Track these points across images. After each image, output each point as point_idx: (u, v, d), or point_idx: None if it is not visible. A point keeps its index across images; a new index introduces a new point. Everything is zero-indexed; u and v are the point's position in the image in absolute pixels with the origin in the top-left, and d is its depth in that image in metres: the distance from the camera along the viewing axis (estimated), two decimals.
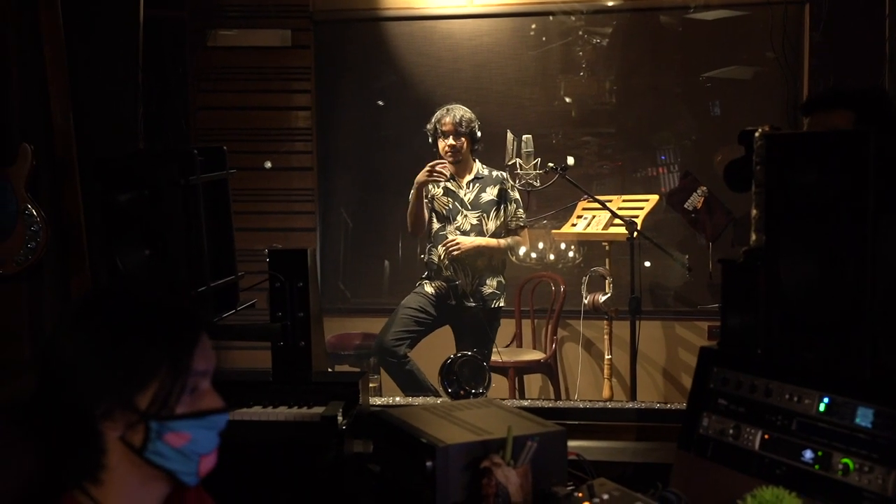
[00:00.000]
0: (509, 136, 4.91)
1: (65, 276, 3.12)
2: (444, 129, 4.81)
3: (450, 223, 4.87)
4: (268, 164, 5.89)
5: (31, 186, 2.97)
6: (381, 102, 6.36)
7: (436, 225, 4.93)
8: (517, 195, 4.94)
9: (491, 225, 4.88)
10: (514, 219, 4.96)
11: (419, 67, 6.18)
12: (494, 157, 5.07)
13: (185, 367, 1.53)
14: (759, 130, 2.15)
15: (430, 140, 4.92)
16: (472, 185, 4.88)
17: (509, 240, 4.93)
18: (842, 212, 1.92)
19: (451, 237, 4.76)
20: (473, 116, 4.85)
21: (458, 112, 4.82)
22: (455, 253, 4.74)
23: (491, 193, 4.85)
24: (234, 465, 1.71)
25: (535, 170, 4.86)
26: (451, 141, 4.80)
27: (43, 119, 3.06)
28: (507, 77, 6.25)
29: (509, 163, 4.91)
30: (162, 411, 1.51)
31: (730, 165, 2.36)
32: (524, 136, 4.89)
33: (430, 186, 4.90)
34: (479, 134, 4.87)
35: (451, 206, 4.87)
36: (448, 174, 4.77)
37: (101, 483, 1.53)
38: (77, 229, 3.11)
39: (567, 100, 6.36)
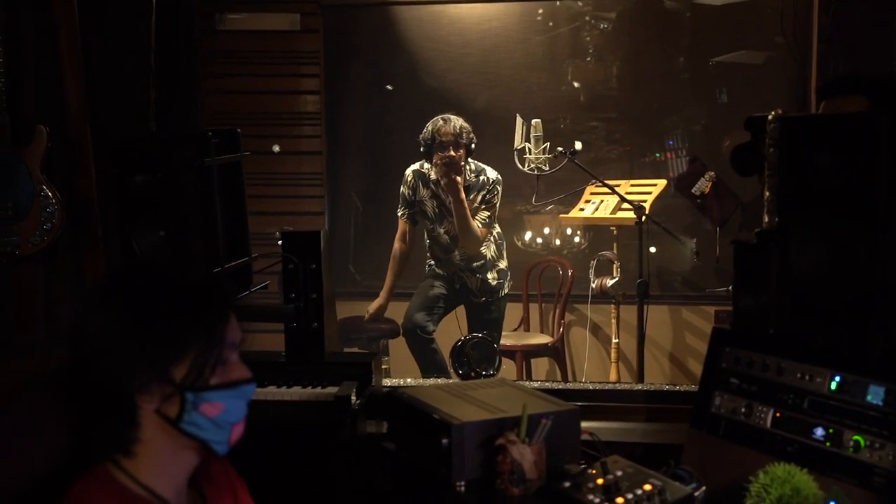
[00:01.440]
0: (518, 120, 4.91)
1: (79, 258, 3.13)
2: (443, 139, 4.64)
3: (439, 225, 4.87)
4: (276, 148, 5.90)
5: (46, 168, 2.98)
6: (389, 87, 6.37)
7: (427, 224, 4.95)
8: (496, 200, 4.81)
9: (478, 227, 4.87)
10: (479, 218, 4.81)
11: (428, 52, 6.19)
12: (503, 141, 5.07)
13: (219, 339, 1.57)
14: (773, 114, 2.17)
15: (422, 149, 4.77)
16: None
17: (479, 233, 4.84)
18: (854, 194, 1.94)
19: (455, 178, 4.61)
20: (470, 127, 4.71)
21: (457, 123, 4.67)
22: (444, 181, 4.68)
23: (475, 200, 4.81)
24: (247, 444, 1.74)
25: (544, 154, 4.86)
26: (450, 152, 4.63)
27: (57, 101, 3.08)
28: (515, 62, 6.25)
29: (518, 147, 4.91)
30: (197, 382, 1.55)
31: (737, 150, 2.38)
32: (533, 121, 4.89)
33: (420, 188, 4.87)
34: (474, 146, 4.73)
35: (437, 210, 4.86)
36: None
37: (133, 455, 1.56)
38: (91, 211, 3.13)
39: (575, 84, 6.37)
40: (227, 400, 1.59)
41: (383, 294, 5.10)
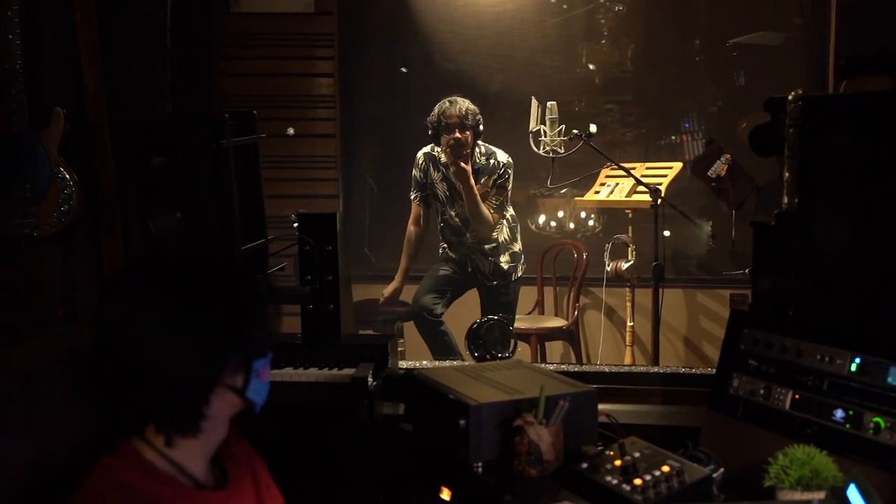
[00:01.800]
0: (534, 102, 4.89)
1: (97, 239, 3.15)
2: (449, 122, 4.64)
3: (450, 207, 4.88)
4: (291, 131, 5.89)
5: (64, 150, 2.99)
6: (403, 69, 6.36)
7: (439, 207, 4.96)
8: (507, 184, 4.82)
9: (489, 210, 4.86)
10: (490, 203, 4.81)
11: (442, 34, 6.16)
12: (518, 124, 5.05)
13: (267, 310, 1.69)
14: (793, 94, 2.16)
15: (429, 132, 4.78)
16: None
17: (491, 218, 4.83)
18: (876, 173, 1.93)
19: (464, 165, 4.62)
20: (477, 109, 4.71)
21: (464, 105, 4.66)
22: (453, 170, 4.69)
23: (485, 185, 4.80)
24: (265, 424, 1.76)
25: (559, 136, 4.85)
26: (456, 134, 4.63)
27: (75, 84, 3.08)
28: (530, 44, 6.22)
29: (533, 129, 4.89)
30: (257, 351, 1.64)
31: (755, 131, 2.36)
32: (549, 103, 4.87)
33: (430, 170, 4.88)
34: (482, 127, 4.72)
35: (448, 192, 4.86)
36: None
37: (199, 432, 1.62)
38: (108, 192, 3.14)
39: (590, 67, 6.34)
40: (266, 363, 1.68)
41: (398, 277, 5.11)
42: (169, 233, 2.86)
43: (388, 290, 5.12)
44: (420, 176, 4.91)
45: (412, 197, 4.99)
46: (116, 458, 1.55)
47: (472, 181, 4.64)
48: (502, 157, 4.80)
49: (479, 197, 4.69)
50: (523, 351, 5.15)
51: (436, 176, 4.86)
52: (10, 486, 1.50)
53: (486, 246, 4.89)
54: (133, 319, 1.55)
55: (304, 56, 5.98)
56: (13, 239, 2.97)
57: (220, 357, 1.58)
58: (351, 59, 6.15)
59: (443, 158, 4.78)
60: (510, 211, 4.96)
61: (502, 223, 4.90)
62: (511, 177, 4.81)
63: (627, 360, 5.26)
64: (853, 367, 2.01)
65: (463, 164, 4.59)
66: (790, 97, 2.14)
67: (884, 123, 1.91)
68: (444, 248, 5.02)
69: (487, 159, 4.77)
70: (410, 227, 5.05)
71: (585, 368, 3.35)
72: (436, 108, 4.72)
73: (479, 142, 4.78)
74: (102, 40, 3.11)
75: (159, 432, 1.58)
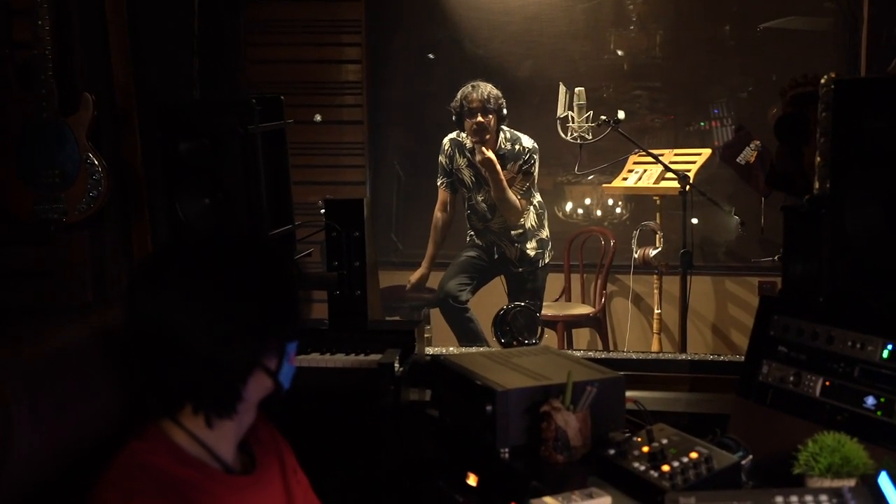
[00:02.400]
0: (562, 88, 4.87)
1: (126, 225, 3.17)
2: (471, 106, 4.66)
3: (477, 193, 4.88)
4: (318, 118, 5.89)
5: (93, 136, 3.01)
6: (431, 55, 6.34)
7: (465, 193, 4.96)
8: (533, 169, 4.81)
9: (516, 196, 4.85)
10: (517, 189, 4.80)
11: (470, 20, 6.14)
12: (546, 110, 5.03)
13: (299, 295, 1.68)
14: (826, 77, 2.13)
15: (453, 118, 4.80)
16: None
17: (518, 204, 4.83)
18: None
19: (488, 154, 4.65)
20: (500, 93, 4.72)
21: (486, 89, 4.68)
22: (478, 159, 4.70)
23: (511, 170, 4.79)
24: (291, 409, 1.76)
25: (587, 123, 4.82)
26: (479, 118, 4.65)
27: (104, 69, 3.10)
28: (558, 30, 6.19)
29: (561, 115, 4.87)
30: (293, 334, 1.66)
31: (781, 120, 2.34)
32: (577, 89, 4.85)
33: (456, 156, 4.88)
34: (505, 111, 4.73)
35: (474, 178, 4.86)
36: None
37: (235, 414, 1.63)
38: (137, 178, 3.15)
39: (619, 53, 6.30)
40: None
41: (425, 264, 5.12)
42: (197, 218, 2.87)
43: (415, 276, 5.12)
44: (446, 162, 4.92)
45: (439, 183, 4.99)
46: (144, 442, 1.56)
47: (498, 168, 4.63)
48: (528, 142, 4.79)
49: (505, 183, 4.68)
50: (550, 338, 5.15)
51: (461, 162, 4.86)
52: (40, 468, 1.51)
53: (513, 232, 4.89)
54: (171, 303, 1.55)
55: (332, 42, 5.98)
56: (42, 224, 2.99)
57: (261, 339, 1.59)
58: (378, 46, 6.15)
59: (468, 144, 4.79)
60: (537, 197, 4.94)
61: (529, 209, 4.89)
62: (537, 162, 4.80)
63: (655, 347, 5.24)
64: (885, 354, 1.98)
65: (487, 153, 4.59)
66: (823, 81, 2.11)
67: None
68: (470, 235, 5.02)
69: (513, 145, 4.77)
70: (437, 214, 5.06)
71: (613, 355, 3.34)
72: (459, 94, 4.75)
73: (504, 127, 4.78)
74: (131, 26, 3.12)
75: (196, 415, 1.59)
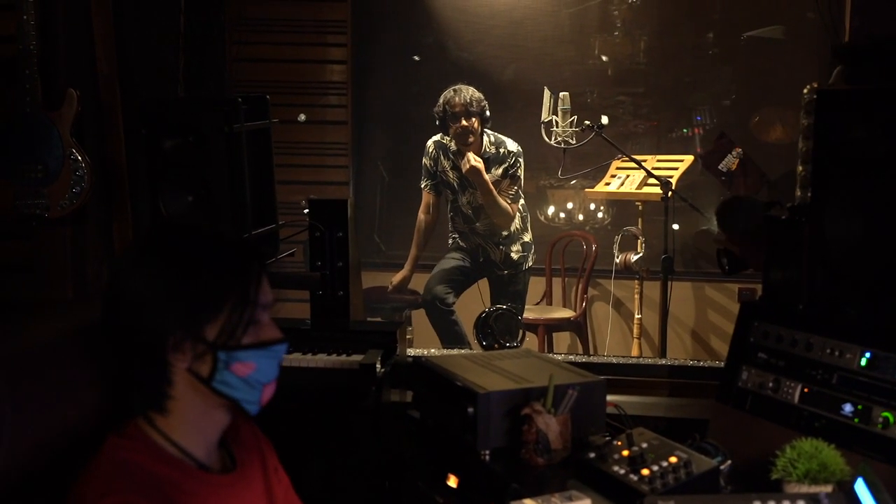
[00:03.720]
0: (546, 92, 4.90)
1: (108, 221, 3.15)
2: (454, 110, 4.68)
3: (461, 195, 4.89)
4: (302, 118, 5.89)
5: (77, 132, 2.99)
6: (416, 57, 6.34)
7: (449, 195, 4.97)
8: (519, 172, 4.83)
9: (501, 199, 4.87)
10: (505, 193, 4.82)
11: (455, 23, 6.15)
12: (530, 114, 5.04)
13: (252, 299, 1.59)
14: (808, 87, 2.15)
15: (437, 123, 4.82)
16: None
17: (509, 208, 4.85)
18: (891, 167, 1.92)
19: (473, 163, 4.65)
20: (482, 96, 4.74)
21: (468, 93, 4.70)
22: (465, 168, 4.69)
23: (495, 174, 4.80)
24: (273, 408, 1.75)
25: (571, 127, 4.84)
26: (462, 122, 4.68)
27: (88, 65, 3.08)
28: (543, 34, 6.21)
29: (546, 120, 4.89)
30: (230, 342, 1.57)
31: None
32: (561, 94, 4.88)
33: (441, 158, 4.90)
34: (488, 113, 4.75)
35: (458, 181, 4.87)
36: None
37: (166, 412, 1.59)
38: (120, 175, 3.14)
39: (603, 58, 6.32)
40: (259, 359, 1.60)
41: (407, 266, 5.12)
42: (180, 216, 2.86)
43: (397, 278, 5.13)
44: (430, 164, 4.93)
45: (423, 185, 5.00)
46: (123, 439, 1.55)
47: (486, 176, 4.65)
48: (512, 146, 4.81)
49: (493, 189, 4.70)
50: (531, 341, 5.15)
51: (446, 164, 4.87)
52: (21, 464, 1.51)
53: (498, 235, 4.90)
54: (114, 290, 1.57)
55: (317, 42, 5.97)
56: (24, 219, 2.97)
57: (166, 332, 1.53)
58: (364, 47, 6.15)
59: (453, 147, 4.80)
60: (521, 200, 4.96)
61: (515, 215, 4.91)
62: (522, 165, 4.82)
63: (635, 352, 5.27)
64: (863, 362, 2.00)
65: (473, 161, 4.60)
66: (805, 91, 2.13)
67: None
68: (454, 237, 5.03)
69: (497, 148, 4.78)
70: (421, 216, 5.06)
71: (593, 359, 3.34)
72: (441, 98, 4.76)
73: (489, 131, 4.78)
74: (116, 22, 3.11)
75: (137, 409, 1.59)
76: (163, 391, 1.57)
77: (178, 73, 3.52)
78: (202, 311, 1.55)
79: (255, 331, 1.60)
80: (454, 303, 4.88)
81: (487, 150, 4.78)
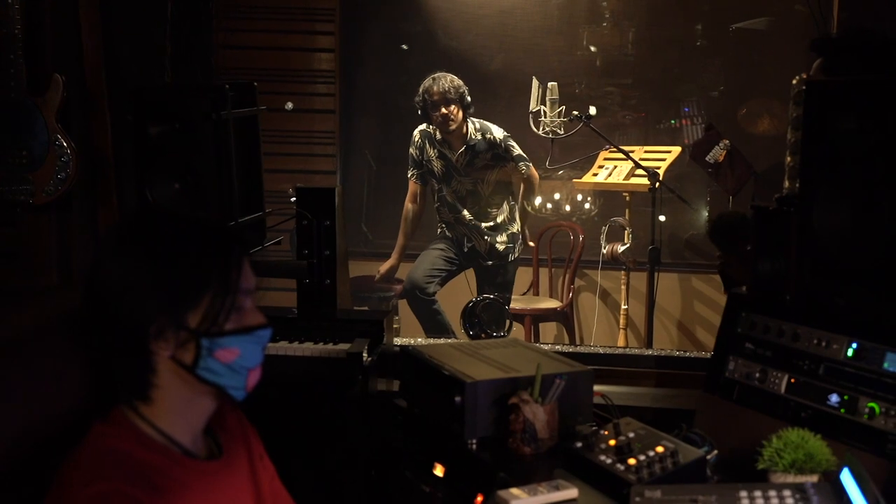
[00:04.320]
0: (535, 82, 4.89)
1: (93, 208, 3.14)
2: (433, 99, 4.70)
3: (447, 185, 4.89)
4: (289, 106, 5.86)
5: (62, 118, 2.98)
6: (404, 46, 6.32)
7: (435, 184, 4.97)
8: (517, 151, 4.88)
9: (488, 188, 4.89)
10: (518, 170, 4.92)
11: (444, 12, 6.13)
12: (518, 104, 5.04)
13: (234, 286, 1.57)
14: (798, 78, 2.15)
15: (419, 112, 4.83)
16: (465, 153, 4.82)
17: (523, 170, 4.92)
18: (880, 159, 1.92)
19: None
20: (461, 83, 4.75)
21: (446, 80, 4.71)
22: None
23: (484, 159, 4.82)
24: (259, 397, 1.74)
25: (559, 117, 4.84)
26: (441, 111, 4.69)
27: (75, 50, 3.06)
28: (532, 24, 6.20)
29: (534, 110, 4.89)
30: (212, 328, 1.55)
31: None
32: (549, 84, 4.87)
33: (427, 147, 4.90)
34: (469, 99, 4.76)
35: (444, 170, 4.87)
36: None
37: (150, 401, 1.57)
38: (106, 161, 3.13)
39: (592, 49, 6.32)
40: (243, 345, 1.59)
41: (395, 255, 5.12)
42: (166, 203, 2.84)
43: (385, 267, 5.12)
44: (416, 154, 4.93)
45: (409, 175, 5.00)
46: (108, 426, 1.54)
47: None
48: (498, 132, 4.83)
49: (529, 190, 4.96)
50: (517, 331, 5.16)
51: (432, 153, 4.87)
52: (4, 452, 1.49)
53: (484, 225, 4.90)
54: (95, 277, 1.55)
55: (305, 30, 5.94)
56: (9, 206, 2.96)
57: (150, 321, 1.52)
58: (352, 35, 6.12)
59: (438, 135, 4.80)
60: (511, 189, 4.97)
61: (503, 206, 4.92)
62: (515, 146, 4.87)
63: (621, 342, 5.28)
64: (849, 353, 2.01)
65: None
66: (794, 81, 2.13)
67: (889, 108, 1.90)
68: (441, 227, 5.03)
69: (483, 134, 4.81)
70: (408, 205, 5.06)
71: (580, 349, 3.35)
72: (421, 87, 4.77)
73: (473, 118, 4.79)
74: (103, 8, 3.09)
75: (121, 398, 1.58)
76: (146, 380, 1.56)
77: (165, 60, 3.50)
78: (184, 299, 1.54)
79: (239, 317, 1.59)
80: (436, 292, 4.87)
81: (473, 136, 4.79)
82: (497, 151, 4.79)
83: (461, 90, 4.72)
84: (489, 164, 4.82)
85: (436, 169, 4.88)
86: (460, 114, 4.73)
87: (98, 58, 3.09)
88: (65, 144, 2.96)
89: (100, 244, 1.56)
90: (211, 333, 1.55)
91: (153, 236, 1.58)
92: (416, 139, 4.92)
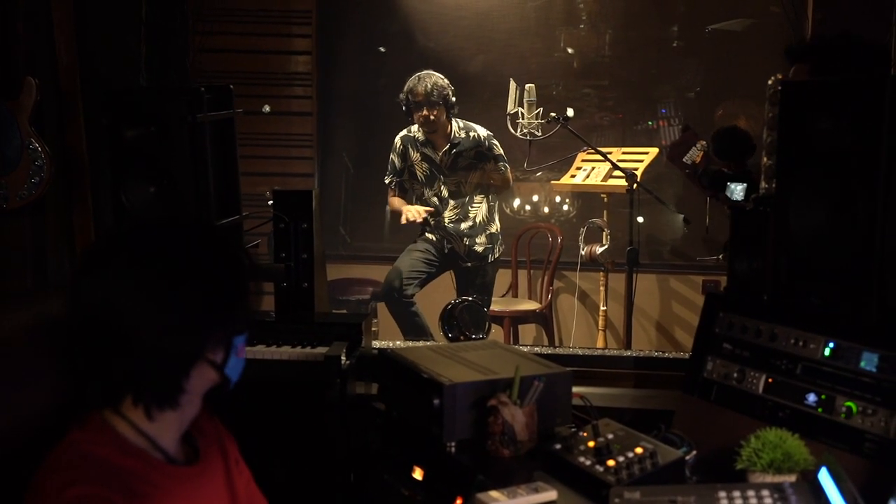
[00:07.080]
0: (512, 84, 4.89)
1: (68, 212, 3.11)
2: (416, 99, 4.70)
3: (429, 188, 4.88)
4: (266, 109, 5.84)
5: (36, 121, 2.95)
6: (382, 48, 6.31)
7: (417, 188, 4.95)
8: (499, 150, 4.89)
9: (470, 189, 4.89)
10: (497, 169, 4.92)
11: (422, 14, 6.12)
12: (497, 105, 5.04)
13: (244, 284, 1.66)
14: (773, 78, 2.16)
15: (403, 110, 4.82)
16: (448, 153, 4.82)
17: (503, 170, 4.93)
18: (855, 159, 1.93)
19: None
20: (446, 83, 4.75)
21: (429, 81, 4.70)
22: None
23: (468, 157, 4.83)
24: (236, 401, 1.74)
25: (536, 119, 4.84)
26: (424, 111, 4.70)
27: (48, 53, 3.04)
28: (509, 26, 6.20)
29: (511, 111, 4.89)
30: (238, 326, 1.63)
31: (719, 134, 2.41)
32: (527, 86, 4.87)
33: (409, 152, 4.89)
34: (453, 99, 4.76)
35: (428, 172, 4.87)
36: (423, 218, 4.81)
37: (176, 407, 1.60)
38: (81, 165, 3.10)
39: (568, 51, 6.33)
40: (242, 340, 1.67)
41: (400, 204, 4.98)
42: (142, 206, 2.82)
43: (404, 208, 4.91)
44: (398, 161, 4.92)
45: (387, 181, 4.99)
46: (86, 432, 1.53)
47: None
48: (482, 131, 4.86)
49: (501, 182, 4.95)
50: (496, 333, 5.15)
51: (415, 157, 4.87)
52: None
53: (463, 226, 4.89)
54: (116, 291, 1.52)
55: (282, 33, 5.92)
56: None
57: (205, 332, 1.56)
58: (329, 37, 6.10)
59: (420, 138, 4.80)
60: (490, 189, 4.97)
61: (481, 204, 4.91)
62: (498, 145, 4.88)
63: (600, 343, 5.29)
64: (826, 352, 2.02)
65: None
66: (770, 81, 2.14)
67: (864, 109, 1.91)
68: (422, 229, 5.01)
69: (467, 133, 4.83)
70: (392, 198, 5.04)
71: (559, 351, 3.35)
72: (405, 86, 4.77)
73: (458, 119, 4.79)
74: (77, 10, 3.07)
75: (136, 405, 1.56)
76: (180, 387, 1.57)
77: (141, 62, 3.48)
78: (232, 312, 1.61)
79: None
80: (413, 294, 4.85)
81: (457, 135, 4.80)
82: (481, 150, 4.81)
83: (445, 91, 4.72)
84: (472, 162, 4.83)
85: (419, 172, 4.87)
86: (443, 115, 4.74)
87: (72, 60, 3.06)
88: (39, 148, 2.93)
89: (109, 269, 1.55)
90: (238, 331, 1.63)
91: (169, 254, 1.58)
92: (398, 146, 4.92)
